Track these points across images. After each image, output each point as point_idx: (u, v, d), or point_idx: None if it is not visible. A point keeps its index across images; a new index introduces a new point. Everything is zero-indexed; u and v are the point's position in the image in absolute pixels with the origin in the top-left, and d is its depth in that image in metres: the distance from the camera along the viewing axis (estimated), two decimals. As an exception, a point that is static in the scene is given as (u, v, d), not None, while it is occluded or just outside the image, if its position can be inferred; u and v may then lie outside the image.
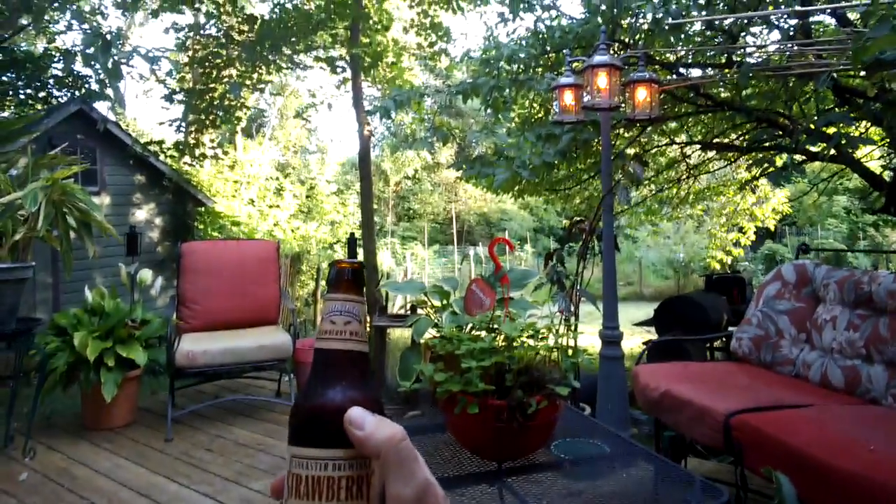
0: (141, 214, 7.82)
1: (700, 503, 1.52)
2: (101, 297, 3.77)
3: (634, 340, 6.84)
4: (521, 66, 5.38)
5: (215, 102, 7.10)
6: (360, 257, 6.37)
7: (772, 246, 12.07)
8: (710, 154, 7.06)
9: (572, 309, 3.59)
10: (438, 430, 2.10)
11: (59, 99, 6.96)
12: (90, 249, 3.33)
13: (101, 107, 8.37)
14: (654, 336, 4.93)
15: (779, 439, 1.94)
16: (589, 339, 6.02)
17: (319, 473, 0.40)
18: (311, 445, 0.41)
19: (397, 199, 20.23)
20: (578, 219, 4.70)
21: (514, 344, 1.93)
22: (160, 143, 7.51)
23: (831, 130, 4.36)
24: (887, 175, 6.66)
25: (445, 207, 20.04)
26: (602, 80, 3.05)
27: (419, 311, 2.59)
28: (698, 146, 6.50)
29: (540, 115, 6.66)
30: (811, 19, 4.50)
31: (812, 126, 4.38)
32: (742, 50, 4.47)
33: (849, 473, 1.68)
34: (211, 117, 7.15)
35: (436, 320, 2.42)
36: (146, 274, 3.99)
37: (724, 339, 4.38)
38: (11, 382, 3.30)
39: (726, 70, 4.50)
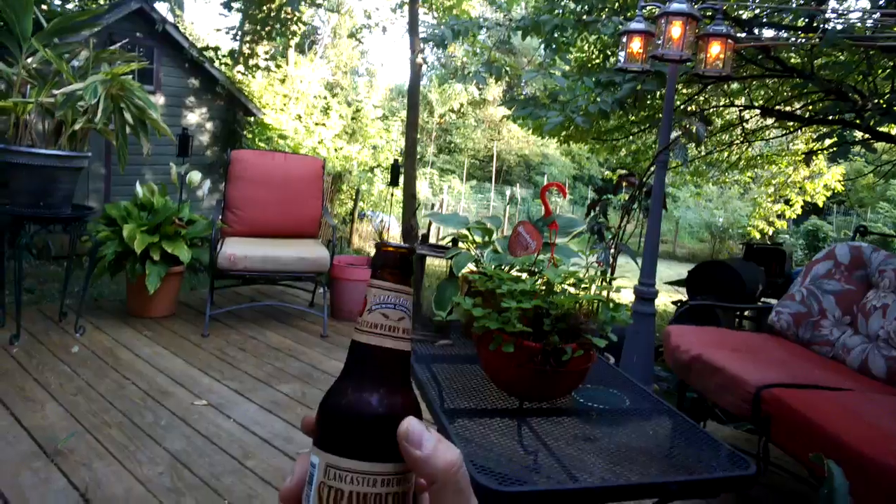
0: (192, 118, 7.82)
1: (726, 471, 1.48)
2: (151, 192, 3.80)
3: (662, 299, 6.74)
4: (587, 7, 5.09)
5: (272, 14, 6.93)
6: (401, 183, 6.31)
7: (816, 222, 11.61)
8: (770, 121, 6.71)
9: (610, 261, 3.52)
10: (468, 361, 2.09)
11: (122, -6, 6.87)
12: (144, 146, 3.33)
13: (161, 7, 8.24)
14: (683, 297, 4.84)
15: (812, 419, 1.88)
16: (623, 292, 5.95)
17: (367, 490, 0.35)
18: (359, 458, 0.35)
19: (440, 131, 19.92)
20: (626, 172, 4.54)
21: (555, 290, 1.88)
22: (216, 49, 7.42)
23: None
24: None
25: (487, 145, 19.70)
26: (676, 29, 2.84)
27: (460, 244, 2.54)
28: (758, 111, 6.17)
29: (598, 61, 6.36)
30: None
31: (884, 104, 4.08)
32: (823, 14, 4.13)
33: (887, 466, 1.62)
34: (267, 29, 7.00)
35: (476, 256, 2.38)
36: (195, 175, 4.00)
37: (756, 310, 4.27)
38: (66, 263, 3.40)
39: (809, 34, 4.18)
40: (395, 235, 8.11)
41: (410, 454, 0.35)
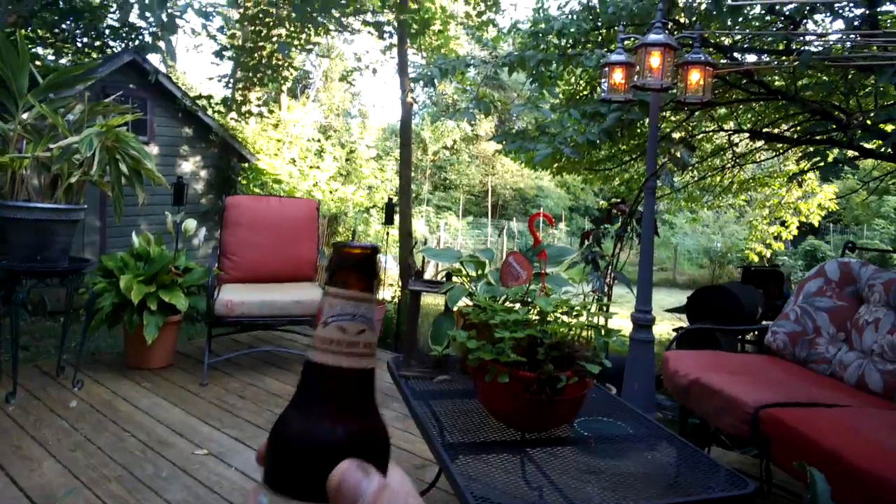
0: (187, 166, 7.96)
1: (724, 491, 1.51)
2: (147, 242, 3.87)
3: (664, 326, 6.76)
4: (571, 41, 5.25)
5: (263, 61, 7.13)
6: (396, 222, 6.39)
7: (814, 242, 11.71)
8: (759, 144, 6.85)
9: (605, 290, 3.56)
10: (467, 396, 2.12)
11: (114, 49, 7.08)
12: (140, 196, 3.41)
13: (154, 59, 8.48)
14: (684, 324, 4.87)
15: (810, 437, 1.91)
16: (620, 321, 5.99)
17: None
18: (306, 499, 0.30)
19: (434, 168, 20.18)
20: (618, 200, 4.63)
21: (548, 318, 1.93)
22: (209, 97, 7.60)
23: (889, 128, 4.17)
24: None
25: (482, 180, 19.93)
26: (655, 59, 2.96)
27: (454, 279, 2.60)
28: (747, 135, 6.31)
29: (585, 93, 6.53)
30: (880, 9, 4.28)
31: (869, 122, 4.20)
32: (802, 37, 4.28)
33: (885, 480, 1.64)
34: (259, 75, 7.19)
35: (470, 289, 2.43)
36: (191, 223, 4.07)
37: (756, 333, 4.30)
38: (63, 317, 3.44)
39: (784, 57, 4.32)
40: (392, 275, 8.16)
41: (338, 499, 0.29)
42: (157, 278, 3.64)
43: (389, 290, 6.55)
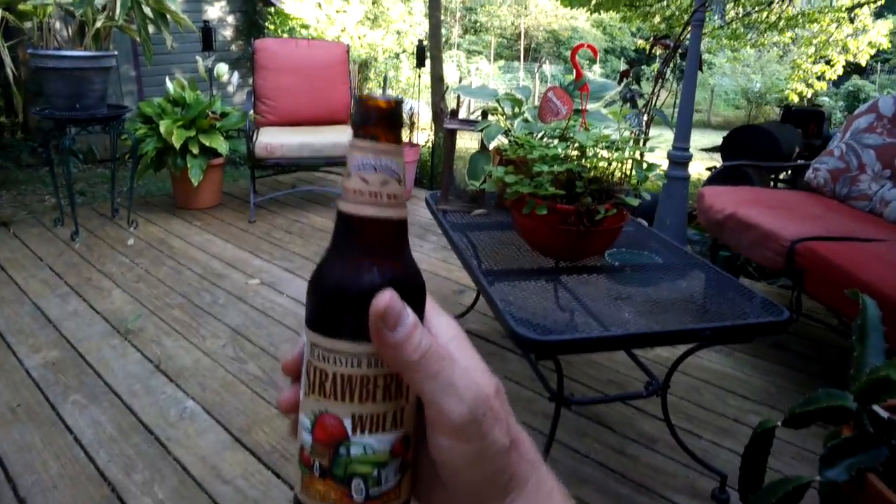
0: (213, 12, 7.50)
1: (759, 317, 1.48)
2: (181, 88, 3.73)
3: (697, 167, 6.53)
4: None
5: None
6: (427, 66, 6.05)
7: (857, 83, 10.82)
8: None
9: (643, 128, 3.36)
10: (504, 228, 2.09)
11: None
12: (167, 39, 3.22)
13: None
14: (717, 164, 4.66)
15: (845, 269, 1.84)
16: (656, 160, 5.81)
17: (351, 371, 0.31)
18: (341, 337, 0.31)
19: (465, 10, 18.77)
20: (662, 35, 4.23)
21: (587, 153, 1.81)
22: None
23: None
24: None
25: (514, 22, 18.55)
26: None
27: (490, 117, 2.45)
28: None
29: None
30: None
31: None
32: None
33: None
34: None
35: (507, 127, 2.29)
36: (223, 67, 3.89)
37: (790, 172, 4.10)
38: (110, 164, 3.44)
39: None
40: (425, 122, 7.92)
41: (384, 338, 0.29)
42: (195, 123, 3.56)
43: (423, 133, 6.38)
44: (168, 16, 3.22)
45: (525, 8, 18.47)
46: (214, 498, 1.47)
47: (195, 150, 3.47)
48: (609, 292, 1.82)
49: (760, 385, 2.03)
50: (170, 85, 3.76)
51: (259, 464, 1.59)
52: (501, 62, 17.38)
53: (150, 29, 3.20)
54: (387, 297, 0.29)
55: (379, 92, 6.97)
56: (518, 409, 1.86)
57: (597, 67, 16.18)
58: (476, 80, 13.87)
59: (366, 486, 0.31)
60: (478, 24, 18.96)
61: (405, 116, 6.61)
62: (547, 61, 16.24)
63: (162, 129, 3.41)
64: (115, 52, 3.15)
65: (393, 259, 0.32)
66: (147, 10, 3.08)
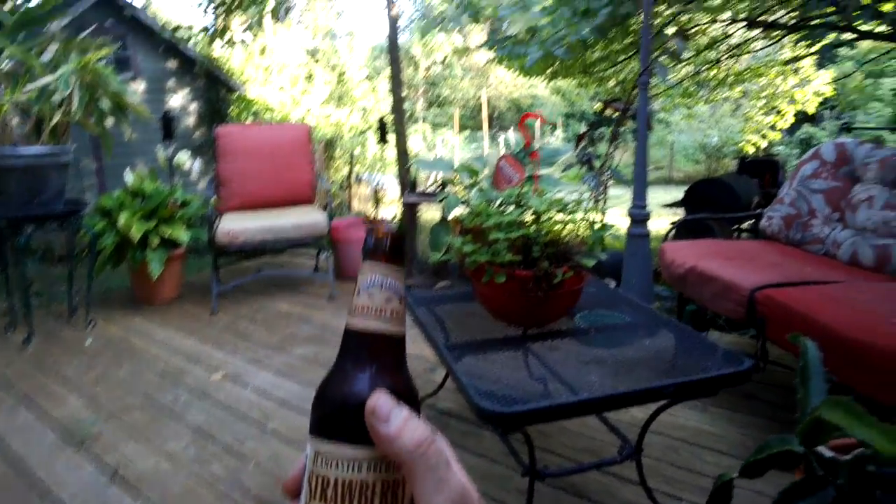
0: (175, 101, 7.73)
1: (720, 369, 1.51)
2: (140, 179, 3.80)
3: (662, 222, 6.74)
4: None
5: (240, -17, 6.74)
6: (392, 141, 6.25)
7: (809, 130, 11.44)
8: (755, 33, 6.54)
9: (601, 188, 3.50)
10: (468, 299, 2.12)
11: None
12: (126, 132, 3.31)
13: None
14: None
15: (803, 313, 1.90)
16: (617, 220, 5.97)
17: (351, 476, 0.33)
18: (342, 442, 0.34)
19: (427, 84, 19.57)
20: (612, 98, 4.47)
21: (542, 218, 1.89)
22: (188, 28, 7.26)
23: (887, 7, 3.94)
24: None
25: (476, 93, 19.36)
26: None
27: (449, 188, 2.54)
28: (742, 24, 6.02)
29: (577, -10, 6.17)
30: None
31: (866, 1, 3.95)
32: None
33: (873, 346, 1.65)
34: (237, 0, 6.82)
35: (465, 197, 2.38)
36: (183, 156, 3.98)
37: (752, 222, 4.27)
38: (68, 261, 3.43)
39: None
40: (394, 195, 8.08)
41: (377, 431, 0.33)
42: (156, 213, 3.60)
43: (390, 207, 6.50)
44: (126, 107, 3.31)
45: (486, 79, 19.35)
46: None
47: (155, 242, 3.49)
48: (577, 356, 1.84)
49: (736, 438, 2.04)
50: (129, 176, 3.81)
51: (223, 570, 1.53)
52: (467, 132, 17.99)
53: (110, 121, 3.29)
54: (377, 395, 0.34)
55: (382, 196, 7.18)
56: (493, 487, 1.84)
57: (558, 132, 16.84)
58: (442, 151, 14.29)
59: None
60: (441, 97, 19.74)
61: (379, 193, 6.75)
62: (512, 129, 16.88)
63: (121, 223, 3.43)
64: (73, 147, 3.21)
65: (392, 370, 0.36)
66: (104, 105, 3.18)
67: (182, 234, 3.53)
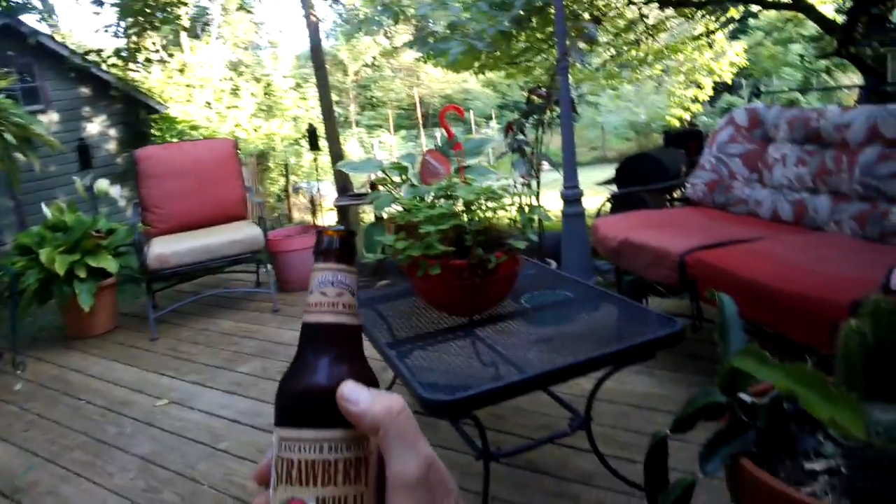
0: (93, 128, 7.42)
1: (655, 333, 1.56)
2: (59, 211, 3.62)
3: (598, 200, 6.90)
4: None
5: (150, 2, 6.52)
6: (325, 147, 6.19)
7: (728, 99, 11.96)
8: (668, 12, 6.79)
9: (533, 173, 3.56)
10: (409, 295, 2.12)
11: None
12: (35, 164, 3.16)
13: (31, 19, 7.63)
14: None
15: (730, 271, 1.99)
16: (554, 203, 6.09)
17: (314, 457, 0.35)
18: (303, 426, 0.36)
19: (358, 88, 19.43)
20: (536, 86, 4.55)
21: (472, 207, 1.90)
22: (99, 51, 6.97)
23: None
24: (840, 18, 6.49)
25: (408, 93, 19.35)
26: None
27: (380, 188, 2.53)
28: (655, 4, 6.23)
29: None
30: None
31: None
32: None
33: (794, 294, 1.74)
34: (149, 19, 6.59)
35: (396, 195, 2.37)
36: (103, 183, 3.83)
37: (682, 189, 4.42)
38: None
39: None
40: (332, 202, 8.00)
41: (348, 411, 0.35)
42: (79, 245, 3.44)
43: (330, 214, 6.43)
44: (33, 138, 3.16)
45: (417, 78, 19.34)
46: None
47: (82, 274, 3.34)
48: (525, 337, 1.87)
49: (684, 397, 2.09)
50: (46, 210, 3.64)
51: None
52: (403, 132, 17.97)
53: (21, 155, 3.13)
54: (347, 383, 0.36)
55: (320, 202, 7.12)
56: (454, 475, 1.83)
57: (493, 123, 17.02)
58: (381, 153, 14.22)
59: None
60: (374, 99, 19.63)
61: (317, 201, 6.67)
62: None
63: (43, 258, 3.27)
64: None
65: (350, 358, 0.38)
66: (9, 137, 3.02)
67: (110, 264, 3.39)
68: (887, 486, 0.72)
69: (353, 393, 0.36)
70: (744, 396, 0.92)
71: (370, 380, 0.38)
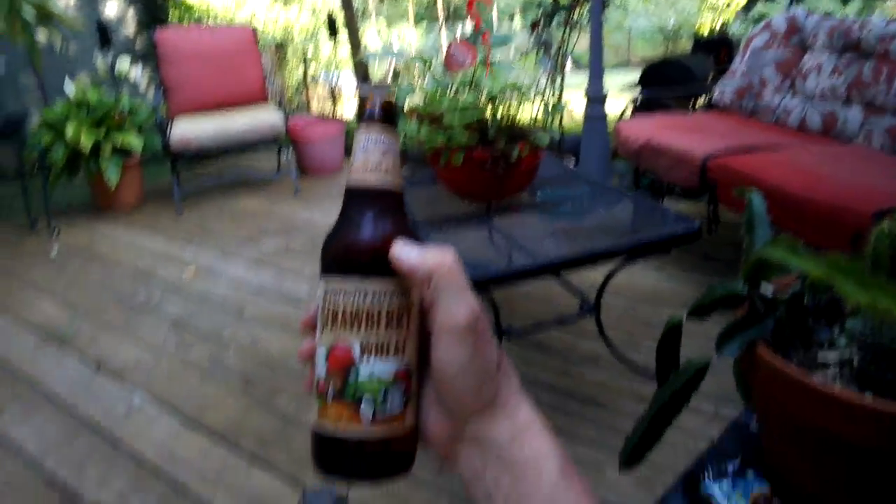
0: (111, 7, 7.08)
1: (672, 230, 1.56)
2: (83, 89, 3.55)
3: (620, 104, 6.68)
4: None
5: None
6: (345, 38, 5.93)
7: (761, 10, 11.25)
8: None
9: (557, 71, 3.42)
10: (430, 183, 2.11)
11: None
12: (56, 40, 3.06)
13: None
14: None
15: (752, 176, 1.95)
16: (576, 105, 5.90)
17: (358, 304, 0.36)
18: (351, 275, 0.37)
19: (379, -22, 18.32)
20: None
21: (497, 100, 1.84)
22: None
23: None
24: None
25: (430, -16, 18.25)
26: None
27: (402, 77, 2.44)
28: None
29: None
30: None
31: None
32: None
33: (819, 203, 1.71)
34: None
35: (418, 85, 2.30)
36: (124, 63, 3.72)
37: (708, 96, 4.26)
38: (20, 177, 3.26)
39: None
40: (351, 92, 7.79)
41: (402, 263, 0.35)
42: (104, 123, 3.40)
43: (349, 104, 6.28)
44: (52, 16, 3.04)
45: (440, -32, 18.18)
46: (173, 480, 1.47)
47: (108, 151, 3.33)
48: (541, 229, 1.88)
49: (692, 294, 2.15)
50: (70, 87, 3.57)
51: (214, 444, 1.59)
52: (423, 25, 17.15)
53: (44, 35, 3.03)
54: (400, 240, 0.37)
55: (338, 93, 6.94)
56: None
57: (517, 20, 16.18)
58: (399, 45, 13.66)
59: (373, 407, 0.36)
60: (393, -10, 18.57)
61: (336, 91, 6.49)
62: (468, 19, 16.12)
63: (69, 134, 3.25)
64: (2, 58, 2.97)
65: (394, 216, 0.39)
66: (27, 13, 2.91)
67: (134, 141, 3.37)
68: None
69: (404, 249, 0.36)
70: (765, 289, 0.93)
71: (414, 237, 0.39)
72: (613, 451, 1.42)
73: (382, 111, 0.39)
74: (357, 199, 0.39)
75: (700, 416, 1.54)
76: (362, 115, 0.39)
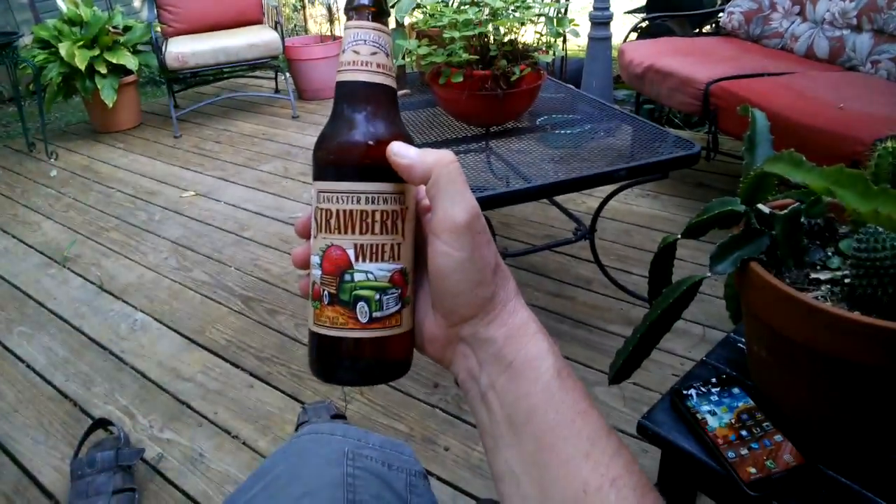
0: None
1: (671, 152, 1.51)
2: (75, 5, 3.36)
3: (623, 30, 6.40)
4: None
5: None
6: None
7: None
8: None
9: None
10: (428, 106, 2.03)
11: None
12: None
13: None
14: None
15: (755, 103, 1.87)
16: (580, 28, 5.64)
17: (351, 207, 0.35)
18: (341, 179, 0.35)
19: None
20: None
21: (499, 16, 1.74)
22: None
23: None
24: None
25: None
26: None
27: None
28: None
29: None
30: None
31: None
32: None
33: (818, 130, 1.65)
34: None
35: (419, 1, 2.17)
36: (116, -25, 3.50)
37: (714, 23, 4.07)
38: (14, 96, 3.14)
39: None
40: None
41: (400, 163, 0.34)
42: (97, 41, 3.25)
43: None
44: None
45: None
46: (176, 395, 1.50)
47: (103, 70, 3.20)
48: (538, 152, 1.82)
49: (686, 221, 2.11)
50: (62, 4, 3.39)
51: (216, 358, 1.61)
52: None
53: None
54: (396, 142, 0.35)
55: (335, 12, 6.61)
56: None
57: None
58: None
59: (369, 308, 0.35)
60: None
61: (330, 10, 6.20)
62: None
63: (63, 53, 3.11)
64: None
65: (387, 116, 0.36)
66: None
67: (129, 60, 3.23)
68: (890, 296, 0.70)
69: (402, 147, 0.35)
70: (762, 207, 0.90)
71: (408, 139, 0.36)
72: (602, 373, 1.45)
73: (372, 2, 0.36)
74: (347, 97, 0.36)
75: (689, 339, 1.55)
76: (351, 6, 0.36)
